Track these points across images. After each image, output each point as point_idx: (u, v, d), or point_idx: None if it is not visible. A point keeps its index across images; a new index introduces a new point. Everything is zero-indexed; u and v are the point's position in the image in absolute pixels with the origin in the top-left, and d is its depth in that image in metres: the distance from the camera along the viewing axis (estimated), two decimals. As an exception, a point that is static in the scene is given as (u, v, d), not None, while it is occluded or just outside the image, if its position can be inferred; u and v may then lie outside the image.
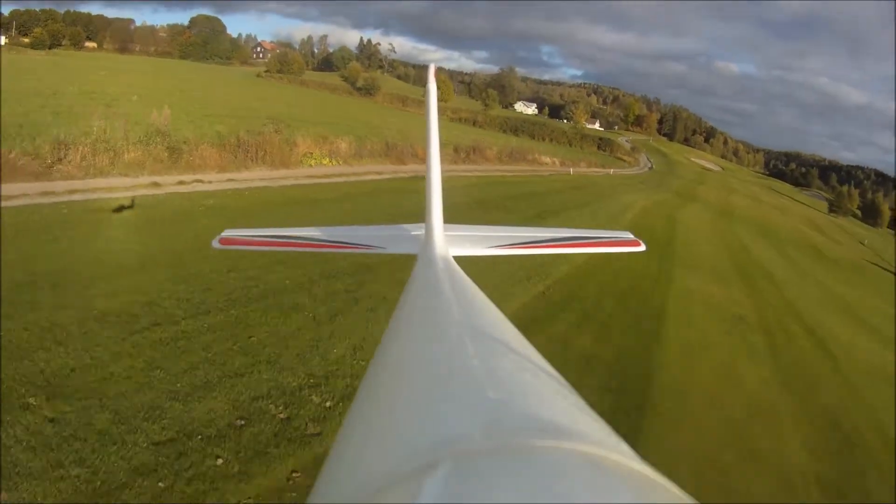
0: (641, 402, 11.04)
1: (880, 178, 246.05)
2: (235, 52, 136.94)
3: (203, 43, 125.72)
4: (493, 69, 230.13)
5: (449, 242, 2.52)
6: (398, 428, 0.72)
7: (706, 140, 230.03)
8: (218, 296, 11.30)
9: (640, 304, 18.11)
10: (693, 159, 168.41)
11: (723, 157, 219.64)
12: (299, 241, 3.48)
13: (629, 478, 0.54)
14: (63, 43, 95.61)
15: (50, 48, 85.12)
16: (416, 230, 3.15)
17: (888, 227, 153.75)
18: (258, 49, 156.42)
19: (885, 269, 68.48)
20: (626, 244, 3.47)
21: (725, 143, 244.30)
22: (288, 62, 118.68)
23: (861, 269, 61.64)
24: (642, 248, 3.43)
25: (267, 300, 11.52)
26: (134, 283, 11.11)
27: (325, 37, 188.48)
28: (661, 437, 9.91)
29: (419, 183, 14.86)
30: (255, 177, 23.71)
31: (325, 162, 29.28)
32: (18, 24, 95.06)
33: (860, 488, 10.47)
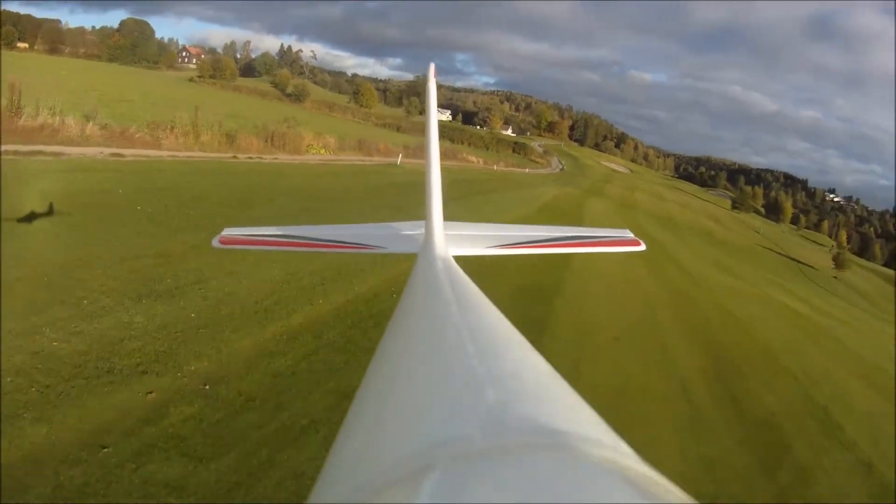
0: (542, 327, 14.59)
1: (789, 181, 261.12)
2: (162, 56, 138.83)
3: (132, 46, 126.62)
4: (408, 76, 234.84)
5: (449, 242, 2.52)
6: (398, 428, 0.74)
7: (617, 145, 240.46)
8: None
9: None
10: (603, 162, 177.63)
11: (633, 161, 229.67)
12: (299, 241, 3.55)
13: (629, 478, 0.54)
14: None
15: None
16: (416, 229, 3.24)
17: (791, 223, 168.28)
18: (184, 54, 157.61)
19: (778, 253, 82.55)
20: (626, 243, 3.52)
21: (636, 148, 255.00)
22: (220, 68, 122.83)
23: (751, 250, 73.32)
24: (642, 247, 3.48)
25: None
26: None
27: (248, 42, 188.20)
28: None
29: (383, 167, 30.62)
30: (283, 159, 34.43)
31: (322, 152, 40.72)
32: None
33: (728, 367, 16.10)
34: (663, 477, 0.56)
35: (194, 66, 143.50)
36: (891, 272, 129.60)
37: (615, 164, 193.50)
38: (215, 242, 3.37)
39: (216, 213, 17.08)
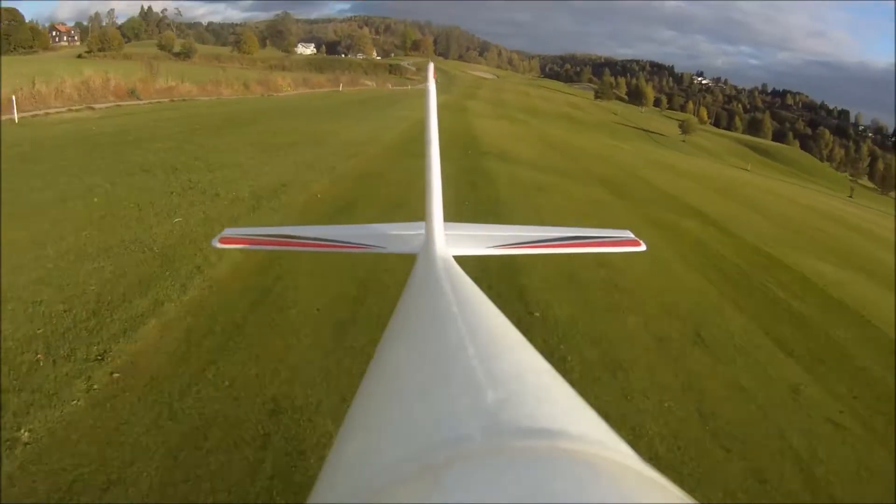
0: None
1: (656, 68, 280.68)
2: (37, 39, 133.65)
3: (5, 36, 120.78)
4: (261, 15, 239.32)
5: (449, 242, 2.58)
6: (398, 428, 0.75)
7: (480, 54, 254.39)
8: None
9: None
10: (470, 72, 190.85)
11: (498, 67, 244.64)
12: (299, 241, 3.59)
13: (629, 478, 0.55)
14: None
15: None
16: (417, 229, 3.22)
17: (654, 106, 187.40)
18: (53, 33, 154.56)
19: (633, 127, 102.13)
20: (627, 244, 3.59)
21: (500, 54, 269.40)
22: (108, 39, 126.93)
23: (607, 126, 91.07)
24: (643, 247, 3.56)
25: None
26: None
27: (112, 10, 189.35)
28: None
29: (333, 93, 55.84)
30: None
31: (287, 89, 54.99)
32: None
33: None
34: (663, 477, 0.57)
35: (67, 44, 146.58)
36: (741, 136, 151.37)
37: (481, 71, 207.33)
38: (215, 242, 3.39)
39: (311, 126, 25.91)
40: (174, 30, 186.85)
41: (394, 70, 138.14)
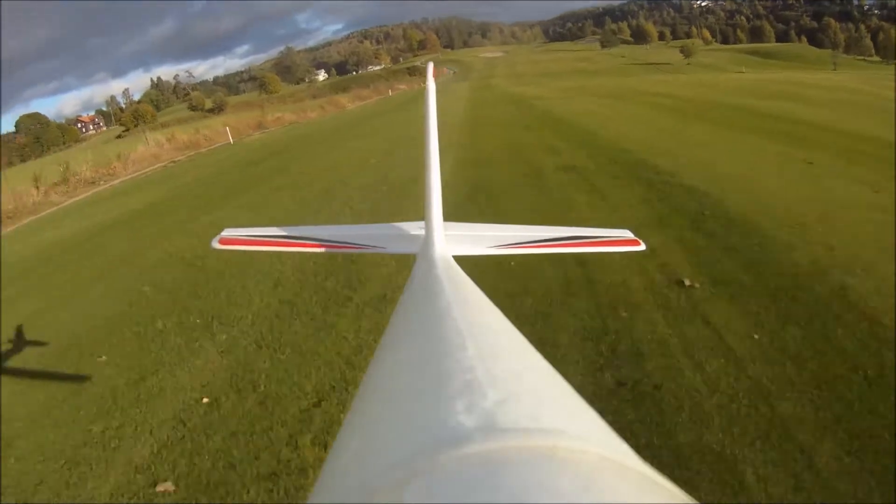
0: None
1: (653, 3, 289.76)
2: (66, 135, 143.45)
3: (36, 139, 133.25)
4: (260, 57, 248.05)
5: (449, 242, 2.57)
6: (397, 428, 0.75)
7: (483, 36, 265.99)
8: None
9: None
10: (480, 55, 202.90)
11: (504, 43, 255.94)
12: (299, 241, 3.55)
13: (629, 478, 0.56)
14: None
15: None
16: (416, 229, 3.28)
17: (659, 40, 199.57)
18: (79, 125, 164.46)
19: (641, 65, 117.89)
20: (626, 243, 3.58)
21: (501, 31, 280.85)
22: (142, 114, 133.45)
23: (616, 70, 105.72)
24: (642, 247, 3.55)
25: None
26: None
27: (126, 90, 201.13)
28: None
29: (387, 98, 70.80)
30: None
31: (349, 104, 65.45)
32: None
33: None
34: (663, 477, 0.57)
35: (95, 132, 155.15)
36: (745, 45, 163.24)
37: (489, 52, 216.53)
38: (214, 243, 3.35)
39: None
40: (189, 90, 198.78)
41: (412, 72, 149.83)
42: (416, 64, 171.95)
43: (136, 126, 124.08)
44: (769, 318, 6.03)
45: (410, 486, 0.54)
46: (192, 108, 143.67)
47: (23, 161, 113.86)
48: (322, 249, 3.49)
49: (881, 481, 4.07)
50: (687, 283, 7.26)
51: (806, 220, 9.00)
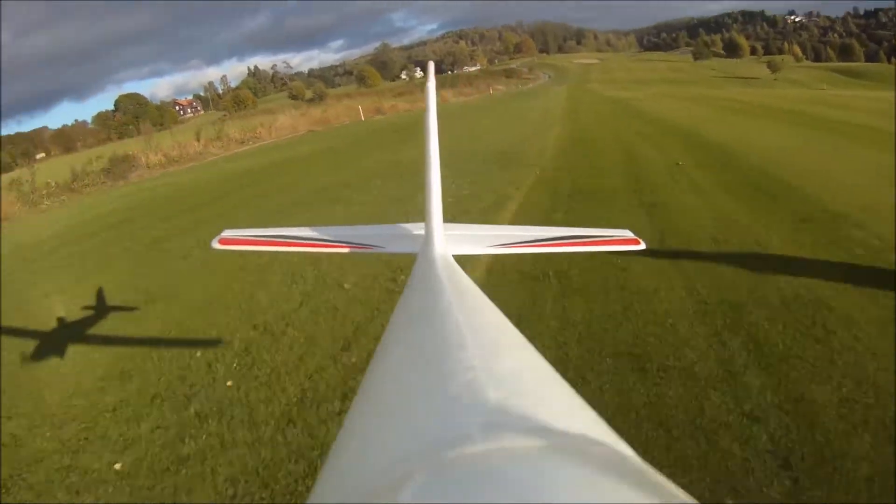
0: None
1: (747, 17, 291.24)
2: (164, 116, 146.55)
3: (134, 119, 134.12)
4: (354, 53, 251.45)
5: (449, 242, 2.64)
6: (398, 428, 0.76)
7: (578, 42, 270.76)
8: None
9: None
10: (575, 61, 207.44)
11: (598, 51, 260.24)
12: (299, 241, 3.66)
13: (628, 478, 0.57)
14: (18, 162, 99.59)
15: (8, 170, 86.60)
16: (416, 229, 3.36)
17: (750, 55, 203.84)
18: (177, 108, 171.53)
19: (729, 77, 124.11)
20: (626, 242, 3.65)
21: (596, 38, 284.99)
22: (243, 100, 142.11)
23: (704, 81, 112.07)
24: (642, 246, 3.62)
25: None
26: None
27: (224, 76, 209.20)
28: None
29: (487, 97, 75.53)
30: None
31: (452, 99, 72.49)
32: None
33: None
34: (663, 477, 0.58)
35: (192, 115, 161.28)
36: (834, 64, 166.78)
37: (585, 59, 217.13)
38: (214, 243, 3.45)
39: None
40: (287, 80, 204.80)
41: (509, 74, 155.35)
42: (512, 67, 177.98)
43: (236, 111, 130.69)
44: None
45: (410, 486, 0.54)
46: (293, 96, 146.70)
47: (120, 138, 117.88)
48: (323, 249, 3.61)
49: None
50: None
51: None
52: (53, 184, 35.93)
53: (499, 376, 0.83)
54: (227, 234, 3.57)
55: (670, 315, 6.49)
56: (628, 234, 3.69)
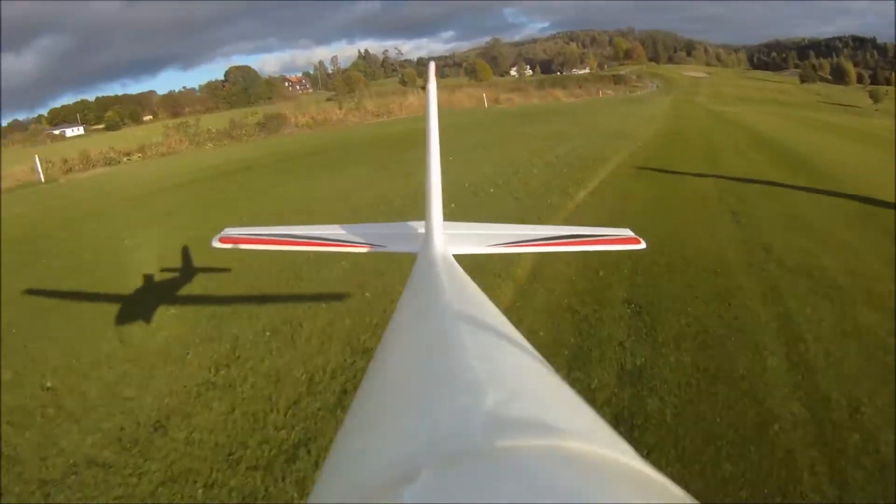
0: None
1: (858, 43, 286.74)
2: (273, 91, 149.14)
3: (244, 90, 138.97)
4: (463, 45, 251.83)
5: (449, 241, 2.68)
6: (398, 427, 0.77)
7: (688, 54, 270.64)
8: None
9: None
10: (684, 73, 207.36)
11: (707, 64, 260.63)
12: (299, 240, 3.75)
13: (629, 477, 0.57)
14: (125, 122, 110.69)
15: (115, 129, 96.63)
16: (416, 228, 3.44)
17: (857, 83, 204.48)
18: (287, 84, 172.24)
19: (832, 104, 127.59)
20: (627, 241, 3.72)
21: (706, 51, 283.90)
22: (353, 81, 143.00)
23: (808, 105, 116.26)
24: (642, 245, 3.68)
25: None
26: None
27: (335, 57, 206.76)
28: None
29: (596, 99, 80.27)
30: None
31: (563, 99, 79.80)
32: (82, 114, 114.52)
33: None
34: (663, 476, 0.58)
35: (301, 92, 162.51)
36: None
37: (694, 71, 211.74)
38: (215, 242, 3.51)
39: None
40: (397, 66, 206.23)
41: (617, 80, 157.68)
42: (621, 73, 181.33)
43: (349, 92, 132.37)
44: None
45: (411, 485, 0.54)
46: (403, 82, 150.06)
47: (230, 108, 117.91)
48: (323, 248, 3.68)
49: None
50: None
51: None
52: (214, 130, 45.94)
53: (499, 375, 0.87)
54: (227, 232, 3.68)
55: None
56: (629, 233, 3.80)
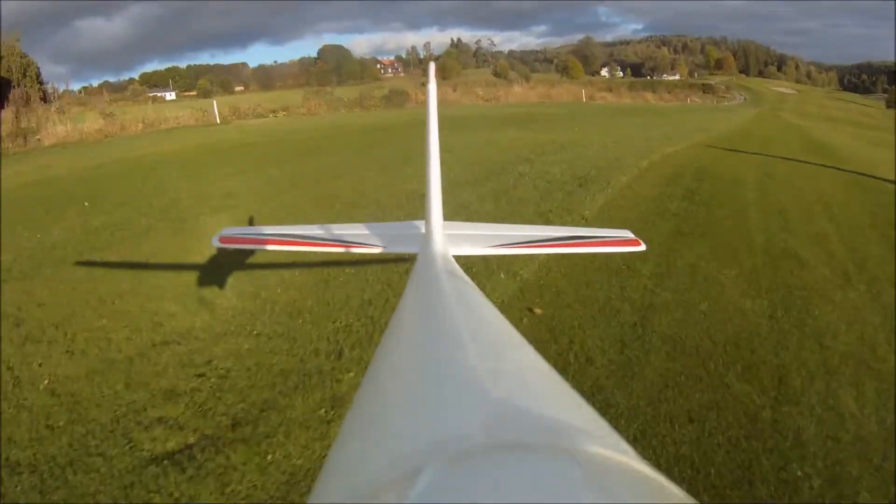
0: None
1: None
2: (364, 72, 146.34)
3: (336, 68, 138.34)
4: (555, 41, 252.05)
5: (449, 241, 2.71)
6: (398, 428, 0.77)
7: (779, 69, 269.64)
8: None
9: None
10: (772, 88, 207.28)
11: (797, 81, 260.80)
12: (298, 240, 3.76)
13: (629, 478, 0.57)
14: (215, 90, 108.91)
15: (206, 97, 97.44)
16: (416, 229, 3.44)
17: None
18: (378, 66, 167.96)
19: None
20: (626, 243, 3.72)
21: (797, 67, 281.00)
22: (448, 68, 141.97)
23: (886, 128, 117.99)
24: (642, 247, 3.69)
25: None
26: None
27: (428, 44, 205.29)
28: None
29: (687, 105, 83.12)
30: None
31: (653, 101, 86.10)
32: (174, 81, 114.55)
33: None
34: (663, 476, 0.58)
35: (392, 75, 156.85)
36: None
37: (782, 87, 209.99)
38: (215, 241, 3.56)
39: None
40: (489, 58, 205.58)
41: (706, 89, 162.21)
42: (711, 83, 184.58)
43: (442, 78, 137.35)
44: None
45: (411, 485, 0.54)
46: (496, 74, 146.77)
47: (320, 85, 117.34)
48: (322, 249, 3.69)
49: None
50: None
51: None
52: (346, 99, 54.78)
53: (499, 375, 0.88)
54: (227, 232, 3.70)
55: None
56: (629, 234, 3.80)
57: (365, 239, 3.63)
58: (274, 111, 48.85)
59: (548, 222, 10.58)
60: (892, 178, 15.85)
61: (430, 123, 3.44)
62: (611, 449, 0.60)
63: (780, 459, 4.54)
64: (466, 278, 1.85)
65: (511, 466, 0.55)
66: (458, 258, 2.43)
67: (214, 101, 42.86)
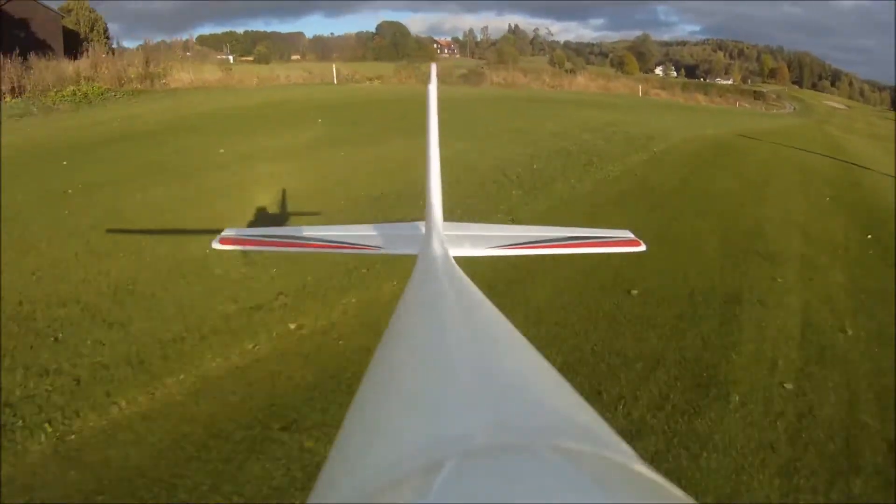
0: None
1: None
2: (420, 50, 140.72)
3: (393, 45, 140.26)
4: (611, 35, 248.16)
5: (449, 242, 2.61)
6: (398, 428, 0.76)
7: (832, 84, 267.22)
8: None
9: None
10: (824, 102, 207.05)
11: (850, 98, 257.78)
12: (298, 242, 3.72)
13: (629, 478, 0.57)
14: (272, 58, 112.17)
15: (264, 62, 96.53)
16: (416, 230, 3.37)
17: None
18: (435, 45, 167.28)
19: None
20: (627, 244, 3.69)
21: (851, 84, 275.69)
22: (503, 54, 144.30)
23: None
24: (643, 247, 3.65)
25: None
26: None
27: (486, 27, 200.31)
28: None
29: (734, 108, 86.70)
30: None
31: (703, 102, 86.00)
32: (232, 46, 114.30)
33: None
34: (663, 477, 0.58)
35: (448, 56, 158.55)
36: None
37: (834, 102, 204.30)
38: (215, 243, 3.48)
39: None
40: (545, 47, 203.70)
41: (757, 96, 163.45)
42: (762, 90, 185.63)
43: (500, 63, 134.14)
44: None
45: (411, 485, 0.54)
46: (552, 63, 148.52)
47: (376, 60, 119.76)
48: (322, 250, 3.62)
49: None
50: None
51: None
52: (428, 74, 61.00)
53: (499, 376, 0.88)
54: (227, 233, 3.65)
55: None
56: (629, 234, 3.76)
57: (364, 240, 3.70)
58: (370, 79, 53.82)
59: (633, 151, 16.53)
60: (893, 176, 17.77)
61: (431, 124, 3.66)
62: (611, 450, 0.61)
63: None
64: (466, 279, 1.81)
65: (511, 467, 0.56)
66: (457, 258, 2.38)
67: (334, 65, 47.12)
